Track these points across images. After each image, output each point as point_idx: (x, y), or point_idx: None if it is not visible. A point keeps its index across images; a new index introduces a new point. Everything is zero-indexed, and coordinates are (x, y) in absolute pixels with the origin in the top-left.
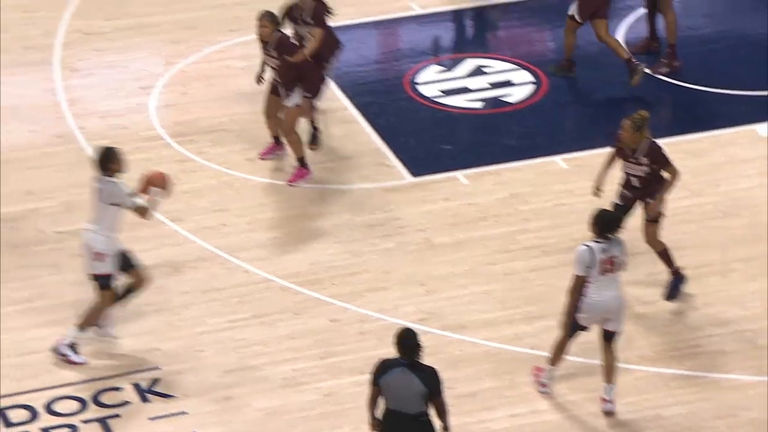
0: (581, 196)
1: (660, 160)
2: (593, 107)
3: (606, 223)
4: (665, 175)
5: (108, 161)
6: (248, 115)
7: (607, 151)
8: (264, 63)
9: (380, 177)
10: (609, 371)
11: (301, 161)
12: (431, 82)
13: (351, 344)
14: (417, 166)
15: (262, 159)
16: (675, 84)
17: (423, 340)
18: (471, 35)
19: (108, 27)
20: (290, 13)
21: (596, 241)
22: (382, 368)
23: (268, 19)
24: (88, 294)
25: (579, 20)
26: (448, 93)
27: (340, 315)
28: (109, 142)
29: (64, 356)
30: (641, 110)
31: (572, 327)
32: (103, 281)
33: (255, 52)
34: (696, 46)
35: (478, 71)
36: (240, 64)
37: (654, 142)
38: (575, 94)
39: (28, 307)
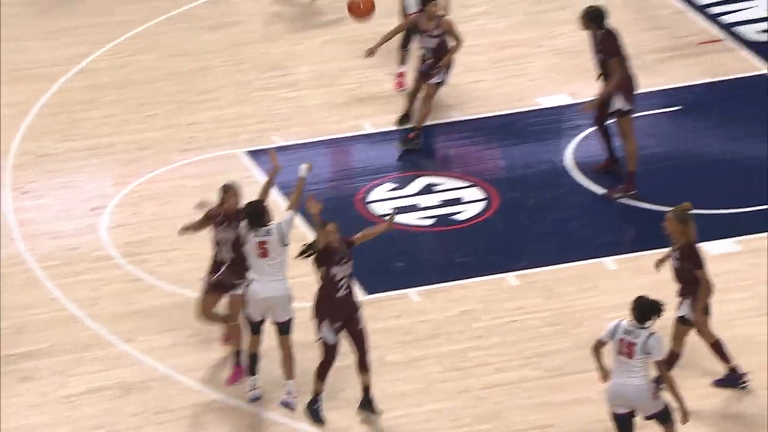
0: (533, 312)
1: (694, 260)
2: (543, 225)
3: (640, 311)
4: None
5: (264, 213)
6: (200, 235)
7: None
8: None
9: None
10: None
11: (237, 356)
12: (383, 200)
13: None
14: (369, 284)
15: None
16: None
17: None
18: (422, 153)
19: (60, 148)
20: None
21: (629, 321)
22: None
23: (236, 191)
24: (41, 419)
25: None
26: (399, 211)
27: None
28: (60, 263)
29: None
30: (684, 203)
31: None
32: (288, 326)
33: (208, 171)
34: (643, 165)
35: (428, 189)
36: (192, 183)
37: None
38: (526, 212)
39: None
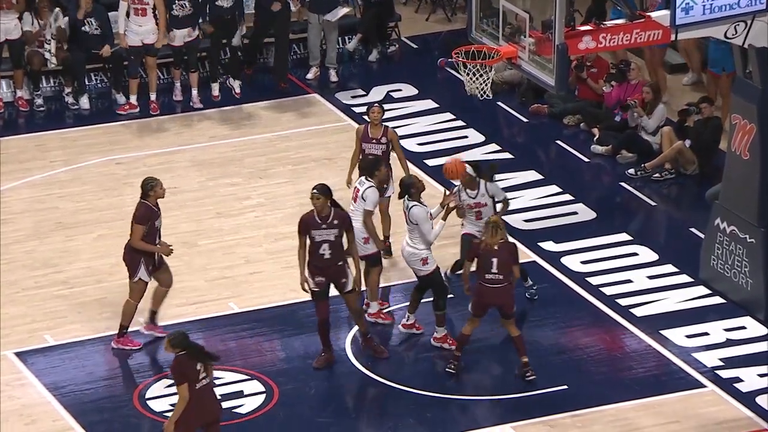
0: None
1: None
2: (325, 414)
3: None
4: None
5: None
6: None
7: None
8: None
9: None
10: None
11: None
12: (161, 396)
13: None
14: None
15: None
16: None
17: None
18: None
19: None
20: None
21: None
22: None
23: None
24: None
25: None
26: None
27: None
28: None
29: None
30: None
31: None
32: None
33: None
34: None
35: None
36: None
37: None
38: (307, 403)
39: None
